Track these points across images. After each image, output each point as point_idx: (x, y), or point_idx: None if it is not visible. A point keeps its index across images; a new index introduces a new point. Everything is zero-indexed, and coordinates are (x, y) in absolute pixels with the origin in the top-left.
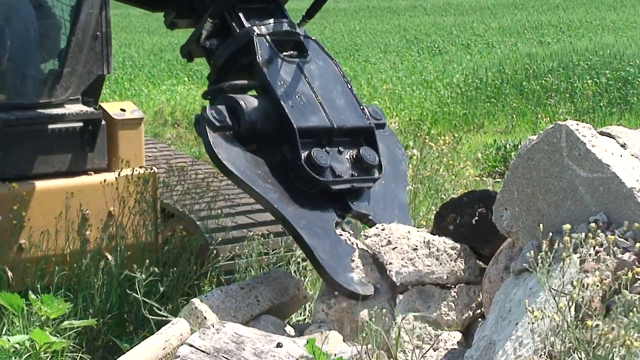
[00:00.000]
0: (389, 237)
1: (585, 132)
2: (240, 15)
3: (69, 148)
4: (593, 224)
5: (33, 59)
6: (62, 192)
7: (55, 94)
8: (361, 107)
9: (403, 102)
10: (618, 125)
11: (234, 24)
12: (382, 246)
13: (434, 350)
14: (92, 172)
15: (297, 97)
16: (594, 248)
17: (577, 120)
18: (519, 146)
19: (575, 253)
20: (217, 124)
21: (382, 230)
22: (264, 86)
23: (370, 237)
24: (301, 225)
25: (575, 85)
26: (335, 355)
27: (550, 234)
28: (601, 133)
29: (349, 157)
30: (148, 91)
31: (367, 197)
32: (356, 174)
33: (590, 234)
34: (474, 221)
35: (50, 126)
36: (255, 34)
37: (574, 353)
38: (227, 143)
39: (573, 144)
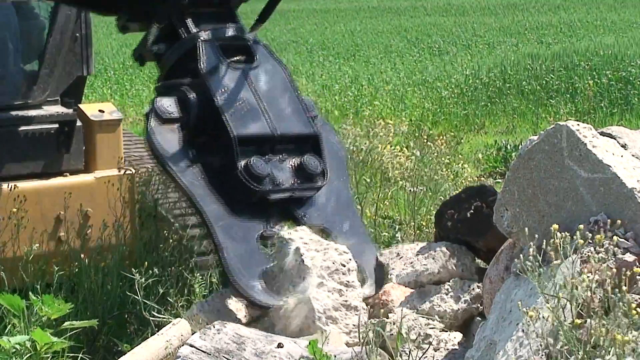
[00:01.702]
0: (399, 250)
1: (586, 133)
2: (188, 20)
3: (45, 149)
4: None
5: (11, 60)
6: (34, 193)
7: (32, 96)
8: (307, 115)
9: (404, 103)
10: (619, 125)
11: (181, 29)
12: (391, 259)
13: (435, 351)
14: (68, 174)
15: (239, 104)
16: (595, 248)
17: (577, 120)
18: (520, 147)
19: (575, 253)
20: (165, 115)
21: (395, 247)
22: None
23: (384, 253)
24: (219, 224)
25: (576, 85)
26: (335, 355)
27: (535, 236)
28: (602, 133)
29: (291, 165)
30: (149, 91)
31: (314, 204)
32: (298, 183)
33: (590, 234)
34: (468, 214)
35: (26, 128)
36: (201, 39)
37: (572, 355)
38: (167, 133)
39: (574, 145)
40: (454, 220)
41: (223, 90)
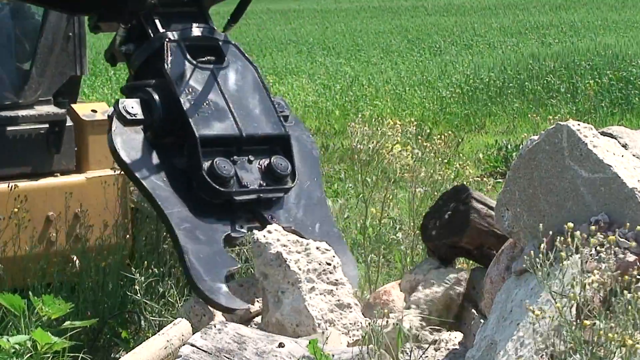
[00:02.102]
0: None
1: (586, 133)
2: (156, 20)
3: (36, 149)
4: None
5: (4, 60)
6: (24, 194)
7: (23, 95)
8: (278, 115)
9: (404, 103)
10: (619, 125)
11: (149, 30)
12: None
13: (436, 351)
14: (59, 174)
15: (205, 105)
16: (595, 248)
17: (578, 120)
18: (521, 146)
19: (577, 253)
20: (128, 117)
21: None
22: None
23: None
24: (182, 227)
25: (577, 85)
26: (333, 355)
27: (551, 233)
28: (603, 133)
29: (259, 167)
30: None
31: (283, 205)
32: (265, 184)
33: (591, 234)
34: (447, 216)
35: (16, 128)
36: (167, 39)
37: (574, 354)
38: (130, 135)
39: (574, 144)
40: (436, 227)
41: (188, 90)
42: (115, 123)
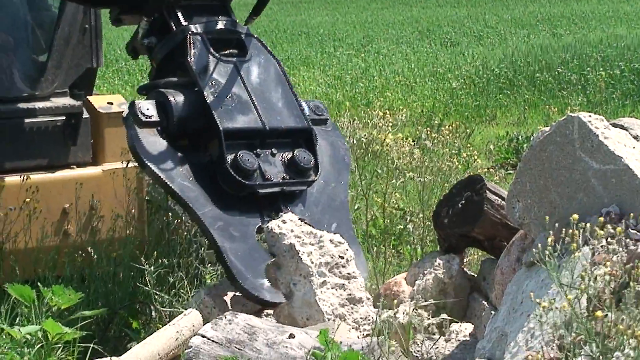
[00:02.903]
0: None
1: (597, 124)
2: (179, 13)
3: (52, 141)
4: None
5: (20, 52)
6: (40, 186)
7: (40, 87)
8: (301, 108)
9: (415, 94)
10: (631, 117)
11: (172, 23)
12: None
13: (446, 342)
14: (75, 166)
15: (228, 98)
16: (606, 240)
17: (589, 112)
18: (532, 138)
19: (587, 245)
20: (144, 119)
21: None
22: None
23: None
24: (216, 226)
25: (588, 77)
26: (346, 346)
27: (557, 225)
28: (614, 125)
29: (282, 160)
30: None
31: (303, 200)
32: (288, 177)
33: (602, 226)
34: (460, 205)
35: (33, 120)
36: (190, 32)
37: (584, 345)
38: (149, 137)
39: (585, 136)
40: (449, 215)
41: (212, 83)
42: (134, 127)
